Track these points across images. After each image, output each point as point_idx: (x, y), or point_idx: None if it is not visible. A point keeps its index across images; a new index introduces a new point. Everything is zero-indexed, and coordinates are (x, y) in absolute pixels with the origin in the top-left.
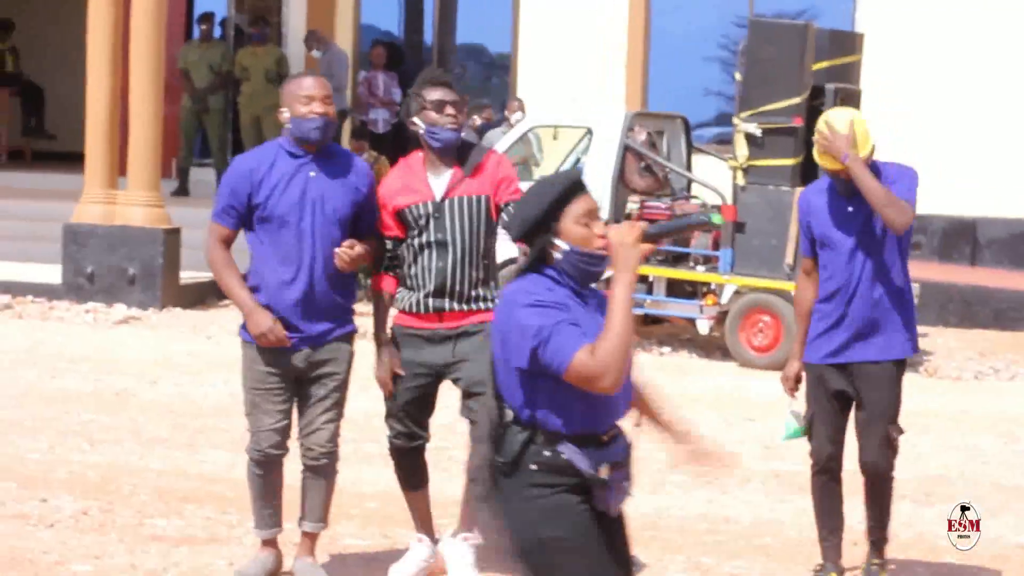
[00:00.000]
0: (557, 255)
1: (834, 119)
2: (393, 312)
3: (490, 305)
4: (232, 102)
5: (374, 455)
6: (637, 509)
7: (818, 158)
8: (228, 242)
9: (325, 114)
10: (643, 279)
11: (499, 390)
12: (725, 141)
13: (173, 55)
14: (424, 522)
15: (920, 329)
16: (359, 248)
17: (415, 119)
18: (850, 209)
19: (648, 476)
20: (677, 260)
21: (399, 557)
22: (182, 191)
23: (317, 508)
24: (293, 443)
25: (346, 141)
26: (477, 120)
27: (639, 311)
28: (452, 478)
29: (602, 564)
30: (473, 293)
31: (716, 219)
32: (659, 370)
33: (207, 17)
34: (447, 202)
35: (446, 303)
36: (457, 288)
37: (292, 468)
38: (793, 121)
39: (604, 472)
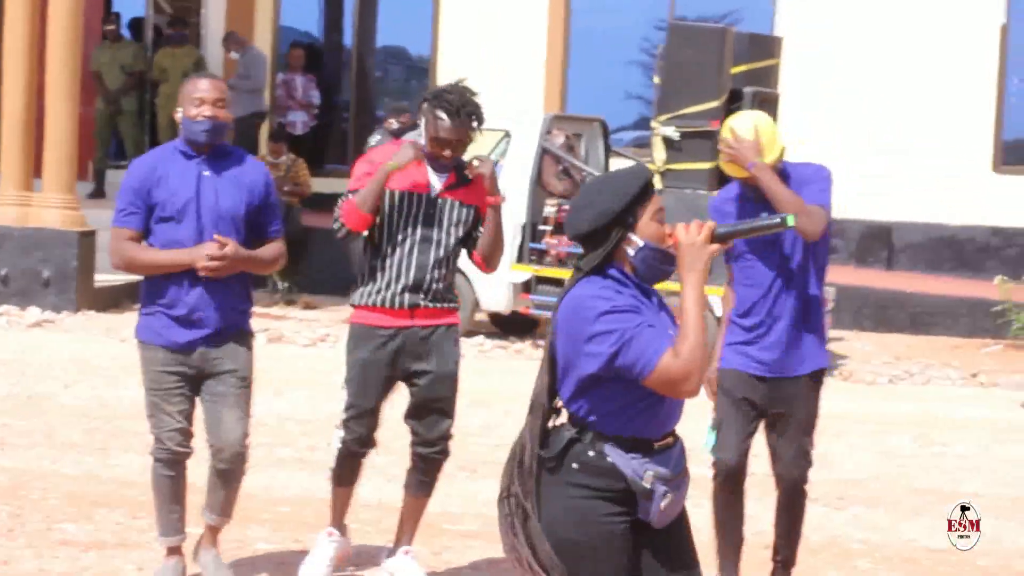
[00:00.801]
0: (630, 251)
1: (738, 125)
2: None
3: (456, 307)
4: (149, 103)
5: (286, 459)
6: None
7: (724, 166)
8: (135, 241)
9: (214, 117)
10: (559, 282)
11: (554, 387)
12: (643, 144)
13: (90, 56)
14: (342, 517)
15: (836, 333)
16: (230, 248)
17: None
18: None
19: None
20: None
21: None
22: (98, 193)
23: (222, 503)
24: (197, 441)
25: (264, 143)
26: (394, 123)
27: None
28: (367, 482)
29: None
30: (444, 294)
31: (790, 220)
32: None
33: (113, 17)
34: (441, 200)
35: (421, 299)
36: (433, 286)
37: (200, 470)
38: (711, 125)
39: (648, 480)
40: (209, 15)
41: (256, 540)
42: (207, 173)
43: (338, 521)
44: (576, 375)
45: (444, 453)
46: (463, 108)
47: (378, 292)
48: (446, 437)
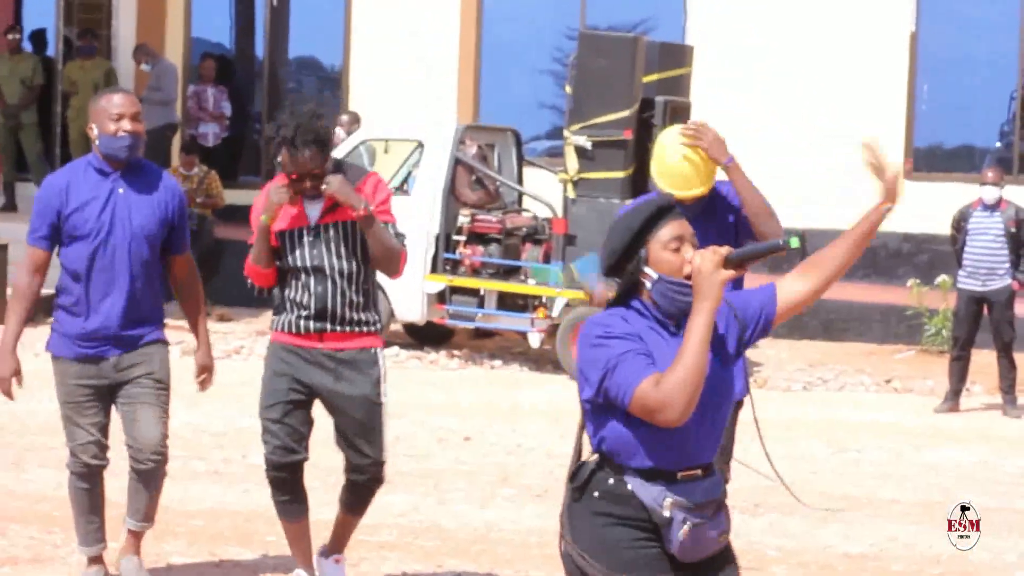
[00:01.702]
0: (647, 284)
1: (671, 139)
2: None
3: (372, 329)
4: (60, 115)
5: (201, 472)
6: (467, 523)
7: (671, 179)
8: (43, 266)
9: (135, 132)
10: (474, 292)
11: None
12: (557, 154)
13: None
14: (304, 555)
15: None
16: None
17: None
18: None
19: (479, 490)
20: (508, 273)
21: (225, 575)
22: (9, 207)
23: (143, 507)
24: (113, 454)
25: (176, 155)
26: None
27: (468, 324)
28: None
29: None
30: (354, 316)
31: (794, 242)
32: (492, 383)
33: (14, 28)
34: (323, 227)
35: (327, 325)
36: (338, 312)
37: (121, 480)
38: (623, 134)
39: (667, 507)
40: (119, 27)
41: (171, 554)
42: (122, 190)
43: (301, 560)
44: (583, 399)
45: (374, 481)
46: (299, 138)
47: (288, 321)
48: (376, 464)
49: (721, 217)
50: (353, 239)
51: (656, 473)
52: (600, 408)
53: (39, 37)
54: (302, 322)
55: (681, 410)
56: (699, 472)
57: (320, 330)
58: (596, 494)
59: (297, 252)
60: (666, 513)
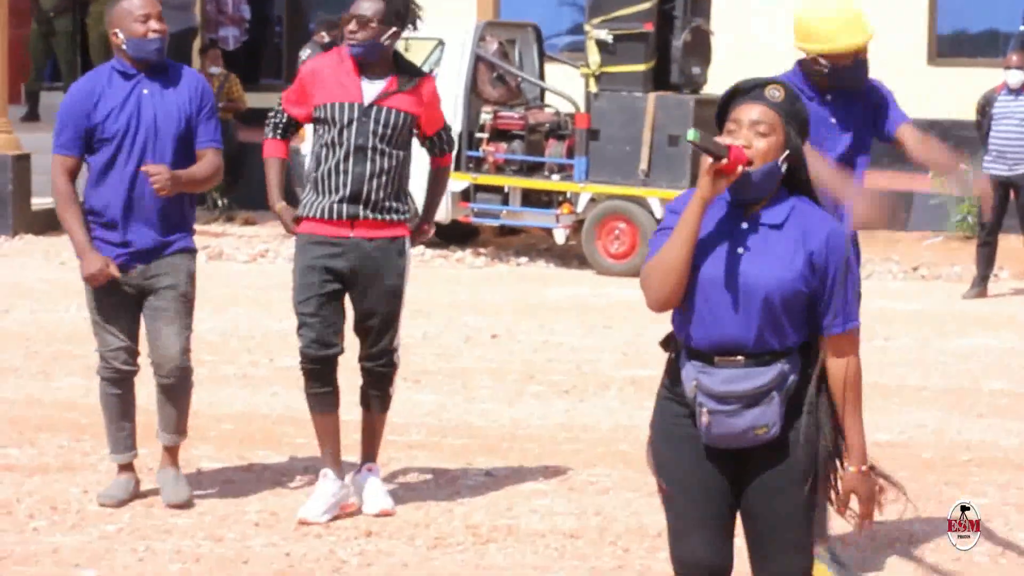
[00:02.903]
0: None
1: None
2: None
3: (402, 218)
4: (80, 23)
5: (230, 376)
6: (495, 421)
7: (818, 40)
8: (74, 172)
9: (163, 32)
10: (498, 190)
11: None
12: (578, 50)
13: None
14: (333, 454)
15: None
16: (161, 167)
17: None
18: (833, 121)
19: (506, 388)
20: (532, 170)
21: (255, 479)
22: (32, 116)
23: (173, 420)
24: (144, 360)
25: (196, 59)
26: (325, 36)
27: (493, 222)
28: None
29: (671, 469)
30: (387, 204)
31: (692, 135)
32: (518, 280)
33: None
34: (374, 108)
35: (360, 210)
36: (373, 196)
37: (151, 388)
38: (644, 26)
39: (692, 389)
40: None
41: (201, 458)
42: (146, 91)
43: (329, 460)
44: None
45: (389, 366)
46: None
47: (318, 203)
48: (389, 351)
49: (867, 101)
50: (402, 128)
51: (696, 353)
52: None
53: None
54: (335, 206)
55: (653, 293)
56: (740, 359)
57: (353, 215)
58: (667, 361)
59: (340, 128)
60: (690, 394)
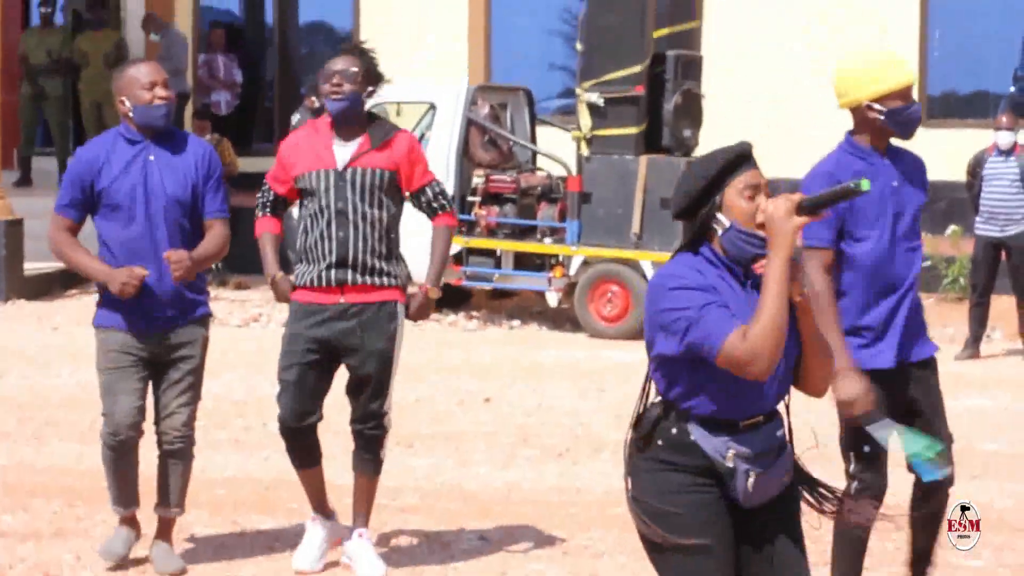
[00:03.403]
0: (719, 231)
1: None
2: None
3: (395, 282)
4: (72, 88)
5: (223, 441)
6: (489, 484)
7: (866, 85)
8: (74, 232)
9: (169, 98)
10: (490, 253)
11: (648, 369)
12: (570, 112)
13: (11, 42)
14: (319, 500)
15: None
16: (182, 253)
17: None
18: (895, 184)
19: (500, 451)
20: (524, 233)
21: (248, 544)
22: (24, 181)
23: (174, 493)
24: (148, 426)
25: (188, 124)
26: (316, 101)
27: (486, 285)
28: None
29: (712, 552)
30: (376, 266)
31: (865, 185)
32: (511, 343)
33: (49, 2)
34: (349, 171)
35: (348, 275)
36: (360, 259)
37: (150, 456)
38: (635, 89)
39: (730, 459)
40: None
41: (194, 524)
42: (152, 158)
43: (317, 505)
44: (655, 352)
45: (379, 429)
46: (347, 45)
47: (308, 272)
48: (379, 415)
49: (916, 168)
50: (380, 186)
51: (719, 423)
52: (671, 359)
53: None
54: (323, 274)
55: (768, 361)
56: (761, 419)
57: (341, 281)
58: (660, 442)
59: (321, 194)
60: (729, 464)
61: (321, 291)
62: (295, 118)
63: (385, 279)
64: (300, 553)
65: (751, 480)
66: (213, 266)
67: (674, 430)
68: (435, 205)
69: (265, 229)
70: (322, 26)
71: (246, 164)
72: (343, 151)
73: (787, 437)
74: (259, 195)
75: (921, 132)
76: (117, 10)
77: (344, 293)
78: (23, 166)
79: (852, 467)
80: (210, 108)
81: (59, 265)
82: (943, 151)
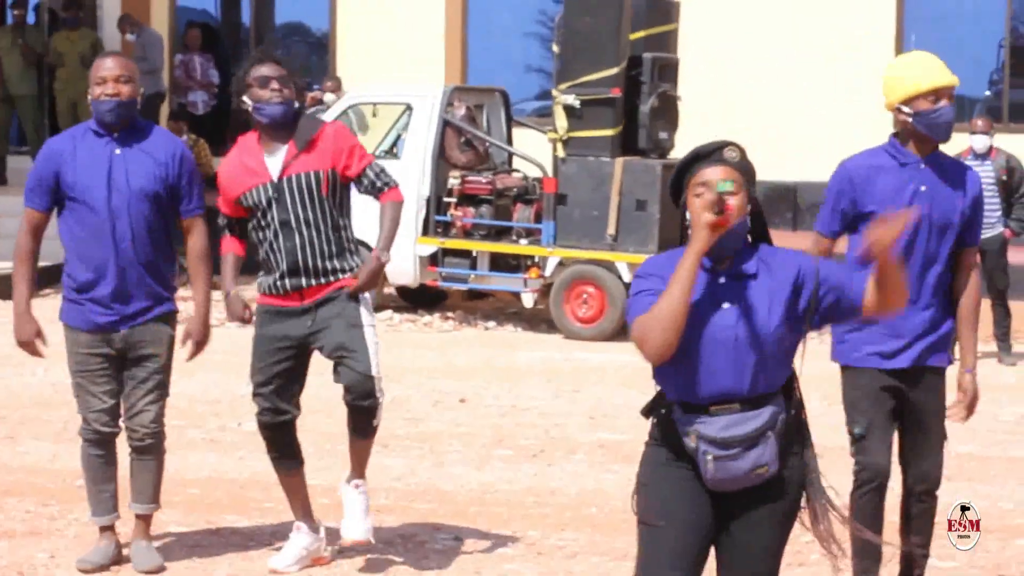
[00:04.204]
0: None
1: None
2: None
3: (348, 275)
4: (48, 88)
5: (197, 440)
6: (464, 485)
7: (901, 87)
8: (39, 227)
9: (117, 94)
10: (466, 254)
11: None
12: (545, 114)
13: None
14: (302, 508)
15: None
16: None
17: (244, 98)
18: (923, 188)
19: (475, 452)
20: (500, 234)
21: (223, 543)
22: (0, 180)
23: (147, 489)
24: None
25: (164, 124)
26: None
27: (461, 286)
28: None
29: (665, 530)
30: (328, 266)
31: (720, 186)
32: (486, 344)
33: (21, 2)
34: (284, 181)
35: (303, 280)
36: (311, 264)
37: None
38: (611, 92)
39: (692, 439)
40: None
41: (169, 523)
42: (119, 151)
43: (301, 513)
44: None
45: (366, 396)
46: (264, 51)
47: (267, 281)
48: (366, 377)
49: (964, 188)
50: (317, 188)
51: (692, 405)
52: None
53: (20, 8)
54: (279, 282)
55: (654, 346)
56: (736, 406)
57: (297, 287)
58: (653, 420)
59: (262, 210)
60: (691, 444)
61: (281, 298)
62: None
63: (339, 274)
64: (279, 555)
65: (709, 460)
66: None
67: (663, 409)
68: (379, 184)
69: (229, 249)
70: (299, 26)
71: None
72: (274, 162)
73: (772, 430)
74: (219, 218)
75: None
76: (93, 9)
77: (304, 298)
78: None
79: (850, 449)
80: (186, 108)
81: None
82: None
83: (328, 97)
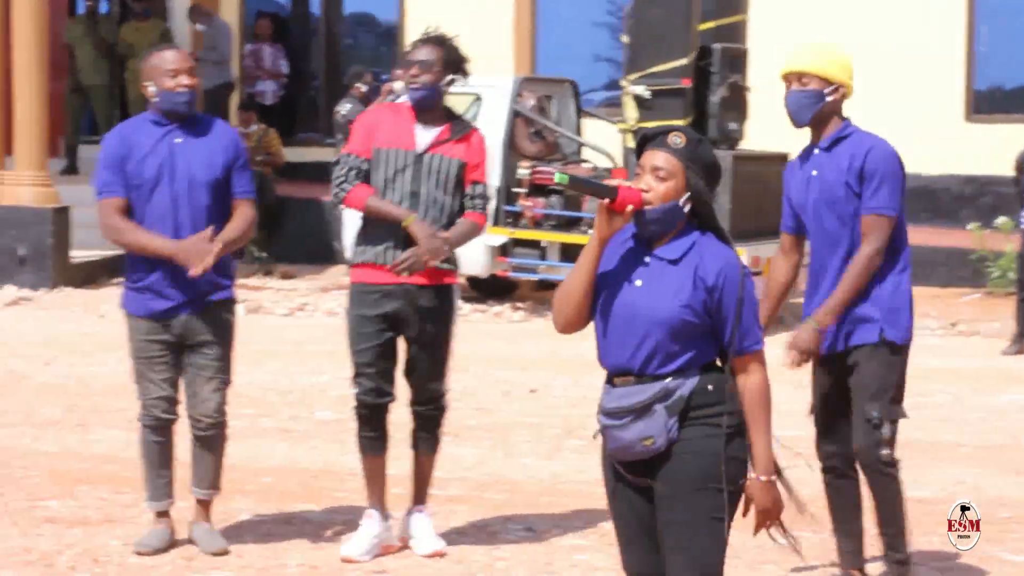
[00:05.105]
0: None
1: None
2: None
3: (452, 267)
4: (119, 78)
5: (269, 430)
6: (535, 475)
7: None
8: (124, 211)
9: (192, 86)
10: (536, 244)
11: None
12: (614, 105)
13: (57, 31)
14: (379, 493)
15: None
16: (213, 246)
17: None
18: (813, 173)
19: (545, 442)
20: (570, 224)
21: (296, 532)
22: (71, 169)
23: (208, 475)
24: (181, 409)
25: (233, 114)
26: (362, 87)
27: (533, 276)
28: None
29: (611, 499)
30: None
31: (557, 178)
32: (554, 335)
33: None
34: (427, 156)
35: None
36: None
37: (185, 445)
38: (681, 82)
39: (598, 411)
40: None
41: (241, 511)
42: (179, 140)
43: (376, 499)
44: None
45: (438, 409)
46: (433, 35)
47: (372, 249)
48: (438, 395)
49: (838, 159)
50: (452, 175)
51: (607, 376)
52: None
53: None
54: (388, 251)
55: (556, 319)
56: (631, 379)
57: None
58: None
59: (396, 174)
60: (598, 415)
61: (383, 269)
62: (345, 107)
63: (444, 263)
64: (351, 543)
65: (597, 429)
66: (258, 255)
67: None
68: (473, 202)
69: (364, 193)
70: (368, 17)
71: (291, 154)
72: (424, 135)
73: (661, 403)
74: (337, 173)
75: (967, 127)
76: (163, 0)
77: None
78: (69, 155)
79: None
80: (255, 98)
81: (105, 253)
82: (989, 145)
83: (398, 86)
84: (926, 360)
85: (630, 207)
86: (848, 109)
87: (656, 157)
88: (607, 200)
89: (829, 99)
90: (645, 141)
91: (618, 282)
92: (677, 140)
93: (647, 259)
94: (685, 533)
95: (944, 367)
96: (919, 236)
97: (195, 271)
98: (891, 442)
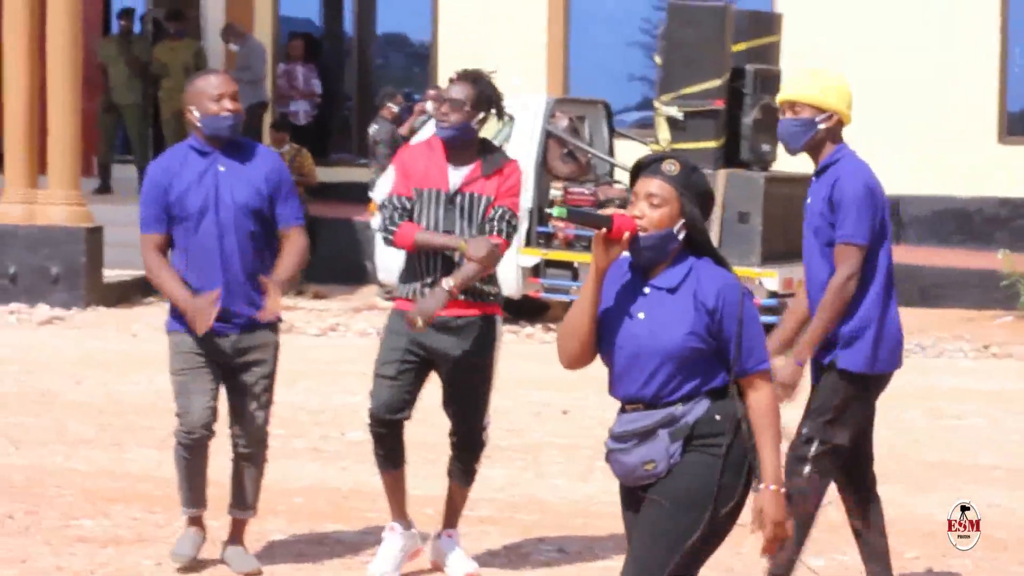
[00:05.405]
0: None
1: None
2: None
3: (493, 300)
4: (152, 97)
5: (301, 450)
6: (566, 497)
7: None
8: (162, 248)
9: (237, 111)
10: (568, 266)
11: None
12: (647, 126)
13: (91, 50)
14: (399, 507)
15: None
16: (275, 293)
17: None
18: (807, 201)
19: (577, 464)
20: None
21: (327, 552)
22: (104, 188)
23: (247, 496)
24: (220, 427)
25: (266, 133)
26: (393, 107)
27: (565, 297)
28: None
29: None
30: (477, 286)
31: (555, 212)
32: None
33: (127, 12)
34: (459, 196)
35: None
36: None
37: (222, 463)
38: (714, 103)
39: (608, 436)
40: (208, 6)
41: (273, 532)
42: (222, 168)
43: (397, 513)
44: None
45: (476, 444)
46: (467, 71)
47: (412, 289)
48: (477, 429)
49: (822, 186)
50: (483, 212)
51: (621, 404)
52: None
53: (127, 18)
54: (427, 289)
55: (561, 355)
56: (640, 407)
57: None
58: None
59: (430, 214)
60: (607, 440)
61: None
62: (373, 129)
63: (484, 297)
64: (377, 561)
65: (606, 453)
66: (300, 279)
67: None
68: (496, 225)
69: (412, 230)
70: (401, 37)
71: (324, 174)
72: (456, 175)
73: (664, 428)
74: (383, 214)
75: (1000, 148)
76: (197, 20)
77: (446, 307)
78: (103, 174)
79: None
80: (288, 118)
81: (138, 273)
82: (1022, 167)
83: (430, 106)
84: (960, 382)
85: (627, 234)
86: (883, 133)
87: (650, 184)
88: (603, 230)
89: (821, 127)
90: (639, 169)
91: (620, 316)
92: (671, 168)
93: (646, 290)
94: (647, 539)
95: (978, 389)
96: (953, 258)
97: (199, 331)
98: (816, 462)
